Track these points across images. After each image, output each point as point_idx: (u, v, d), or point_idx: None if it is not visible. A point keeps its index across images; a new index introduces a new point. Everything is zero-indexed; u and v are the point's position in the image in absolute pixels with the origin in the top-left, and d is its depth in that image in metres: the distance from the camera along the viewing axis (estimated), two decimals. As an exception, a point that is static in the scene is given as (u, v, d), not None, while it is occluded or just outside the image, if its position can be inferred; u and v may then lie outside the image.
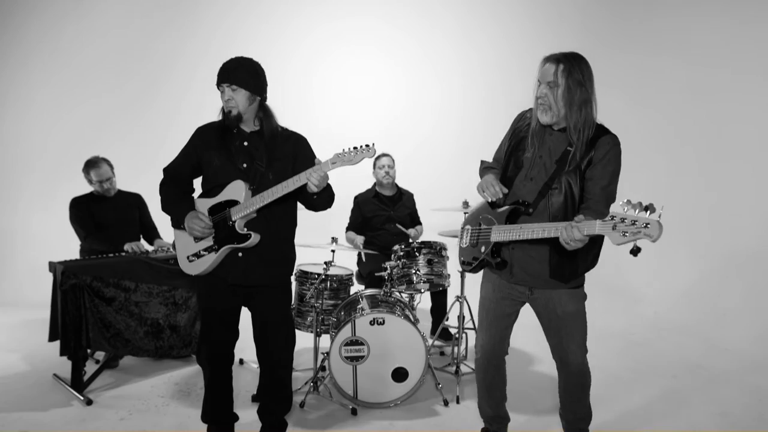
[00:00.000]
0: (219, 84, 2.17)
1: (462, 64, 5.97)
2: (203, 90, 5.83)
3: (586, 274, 2.05)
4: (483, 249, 2.08)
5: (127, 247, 3.31)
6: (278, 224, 2.23)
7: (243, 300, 2.29)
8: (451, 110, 5.98)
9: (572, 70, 1.88)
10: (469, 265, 2.19)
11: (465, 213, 3.33)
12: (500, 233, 1.99)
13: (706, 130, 4.97)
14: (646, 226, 1.50)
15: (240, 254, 2.18)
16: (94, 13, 5.93)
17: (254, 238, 2.13)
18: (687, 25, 5.13)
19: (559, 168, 1.92)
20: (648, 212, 1.51)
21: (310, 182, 2.03)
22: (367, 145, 2.02)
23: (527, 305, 2.15)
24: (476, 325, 2.26)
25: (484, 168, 2.28)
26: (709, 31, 5.00)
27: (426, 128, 5.98)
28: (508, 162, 2.09)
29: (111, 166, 3.54)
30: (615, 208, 1.61)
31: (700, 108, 5.00)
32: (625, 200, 1.56)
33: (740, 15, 4.81)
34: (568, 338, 2.03)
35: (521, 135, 2.07)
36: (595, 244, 1.93)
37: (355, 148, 2.03)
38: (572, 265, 1.95)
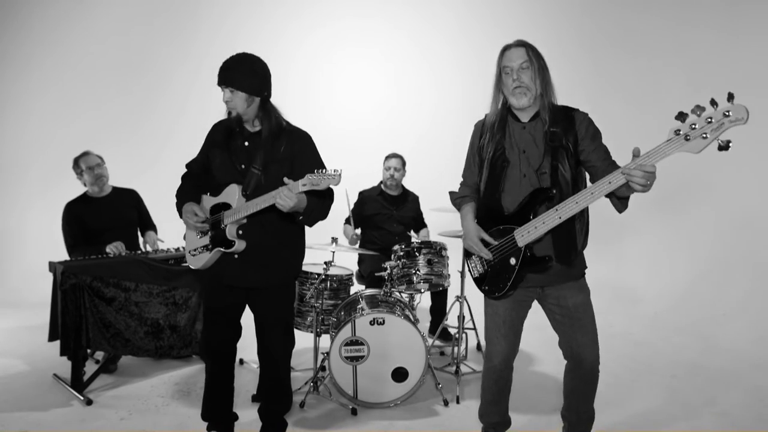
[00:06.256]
0: (218, 85, 2.15)
1: (461, 63, 5.97)
2: (206, 90, 5.82)
3: (587, 274, 2.06)
4: (513, 261, 1.95)
5: (108, 249, 3.22)
6: (275, 228, 2.20)
7: (244, 298, 2.29)
8: (450, 109, 5.98)
9: (538, 53, 1.96)
10: (500, 290, 2.00)
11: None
12: (529, 233, 1.89)
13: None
14: (727, 114, 1.38)
15: (236, 256, 2.18)
16: (95, 15, 5.93)
17: (238, 245, 2.14)
18: (687, 28, 5.14)
19: (550, 149, 1.93)
20: (716, 106, 1.40)
21: (277, 203, 1.96)
22: (335, 170, 1.93)
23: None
24: (486, 335, 2.18)
25: (456, 199, 2.22)
26: (708, 34, 5.00)
27: (425, 127, 5.98)
28: (491, 170, 2.03)
29: (100, 158, 3.44)
30: (673, 124, 1.49)
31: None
32: (677, 113, 1.46)
33: (740, 17, 4.82)
34: (581, 331, 2.01)
35: (491, 142, 2.04)
36: (582, 221, 1.96)
37: (324, 170, 1.94)
38: (572, 244, 1.95)
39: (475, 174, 2.15)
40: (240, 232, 2.16)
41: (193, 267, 2.31)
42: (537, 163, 1.95)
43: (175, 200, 2.33)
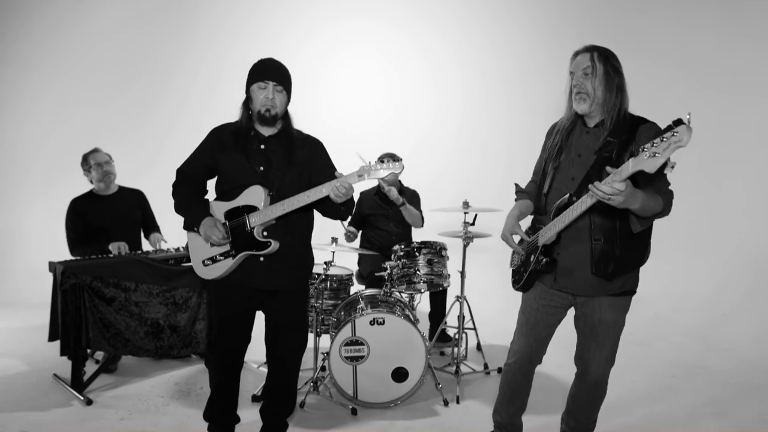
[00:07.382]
0: (261, 80, 2.11)
1: (461, 63, 5.97)
2: (205, 90, 5.85)
3: None
4: (532, 258, 2.02)
5: (112, 247, 3.22)
6: (298, 229, 2.21)
7: (258, 304, 2.27)
8: (451, 110, 5.98)
9: (608, 56, 1.92)
10: (518, 282, 2.14)
11: (465, 213, 3.33)
12: (545, 234, 1.95)
13: (707, 133, 4.96)
14: (673, 135, 1.40)
15: (261, 259, 2.16)
16: (95, 15, 5.94)
17: (274, 246, 2.11)
18: (687, 28, 5.14)
19: (599, 158, 1.86)
20: (677, 125, 1.41)
21: (333, 195, 2.00)
22: (395, 160, 1.96)
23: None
24: (515, 329, 2.20)
25: (516, 193, 2.27)
26: (708, 34, 5.00)
27: (425, 128, 5.98)
28: (545, 171, 2.06)
29: (109, 156, 3.45)
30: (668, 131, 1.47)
31: (701, 111, 5.00)
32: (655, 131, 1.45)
33: (740, 17, 4.82)
34: (597, 347, 2.01)
35: (555, 144, 2.05)
36: (640, 237, 1.87)
37: (381, 161, 1.97)
38: (610, 255, 1.86)
39: (539, 173, 2.17)
40: (265, 233, 2.14)
41: (208, 278, 2.21)
42: (587, 169, 1.92)
43: (173, 208, 2.27)
